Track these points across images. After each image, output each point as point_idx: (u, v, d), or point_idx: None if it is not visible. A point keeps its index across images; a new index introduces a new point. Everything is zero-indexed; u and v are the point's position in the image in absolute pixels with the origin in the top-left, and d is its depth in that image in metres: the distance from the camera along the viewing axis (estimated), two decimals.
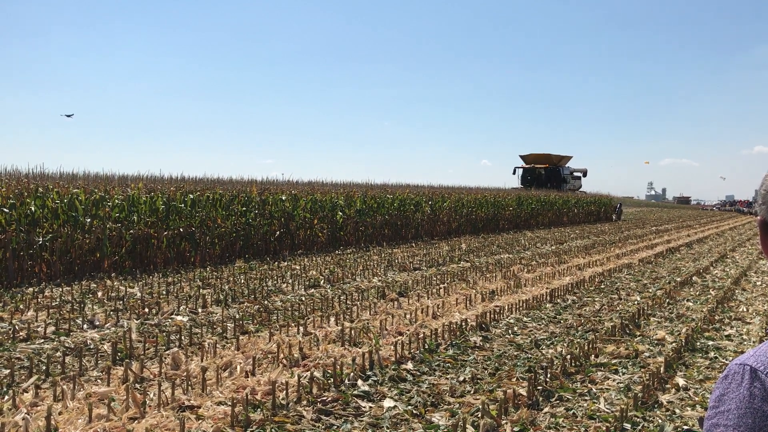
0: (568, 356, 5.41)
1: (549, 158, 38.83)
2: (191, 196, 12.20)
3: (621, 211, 37.01)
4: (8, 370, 4.72)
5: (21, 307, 7.24)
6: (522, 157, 40.16)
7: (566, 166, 40.20)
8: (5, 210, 9.47)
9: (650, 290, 9.64)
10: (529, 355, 5.73)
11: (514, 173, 38.99)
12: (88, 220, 10.25)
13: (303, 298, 8.23)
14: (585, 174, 41.89)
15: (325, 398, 4.37)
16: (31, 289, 8.56)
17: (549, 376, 4.91)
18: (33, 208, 9.78)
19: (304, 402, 4.28)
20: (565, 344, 6.12)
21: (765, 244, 1.10)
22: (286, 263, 11.94)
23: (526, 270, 11.38)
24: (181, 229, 11.65)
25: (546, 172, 38.22)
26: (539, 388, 4.65)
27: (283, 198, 14.45)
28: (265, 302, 7.85)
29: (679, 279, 10.71)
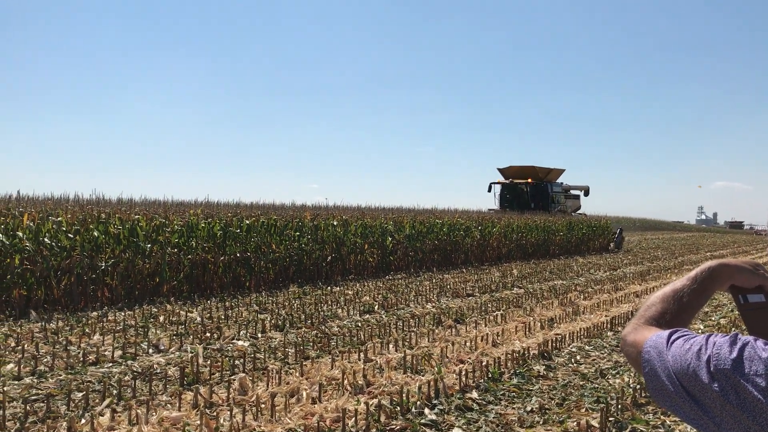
0: (637, 386, 5.28)
1: (533, 172, 30.47)
2: (247, 222, 12.39)
3: (622, 239, 29.50)
4: (82, 393, 4.84)
5: (87, 330, 7.42)
6: (501, 170, 31.67)
7: (558, 181, 32.24)
8: (70, 236, 9.77)
9: (713, 318, 9.37)
10: (596, 385, 5.62)
11: (489, 191, 30.78)
12: (149, 245, 10.48)
13: (359, 324, 8.23)
14: (587, 192, 34.02)
15: (393, 426, 4.35)
16: (95, 313, 8.77)
17: (620, 406, 4.80)
18: (96, 234, 10.06)
19: (374, 430, 4.26)
20: (631, 374, 5.98)
21: None
22: (338, 288, 11.99)
23: (582, 297, 11.19)
24: (238, 254, 11.82)
25: (530, 189, 30.28)
26: (611, 419, 4.55)
27: (335, 223, 14.55)
28: (323, 327, 7.88)
29: None
